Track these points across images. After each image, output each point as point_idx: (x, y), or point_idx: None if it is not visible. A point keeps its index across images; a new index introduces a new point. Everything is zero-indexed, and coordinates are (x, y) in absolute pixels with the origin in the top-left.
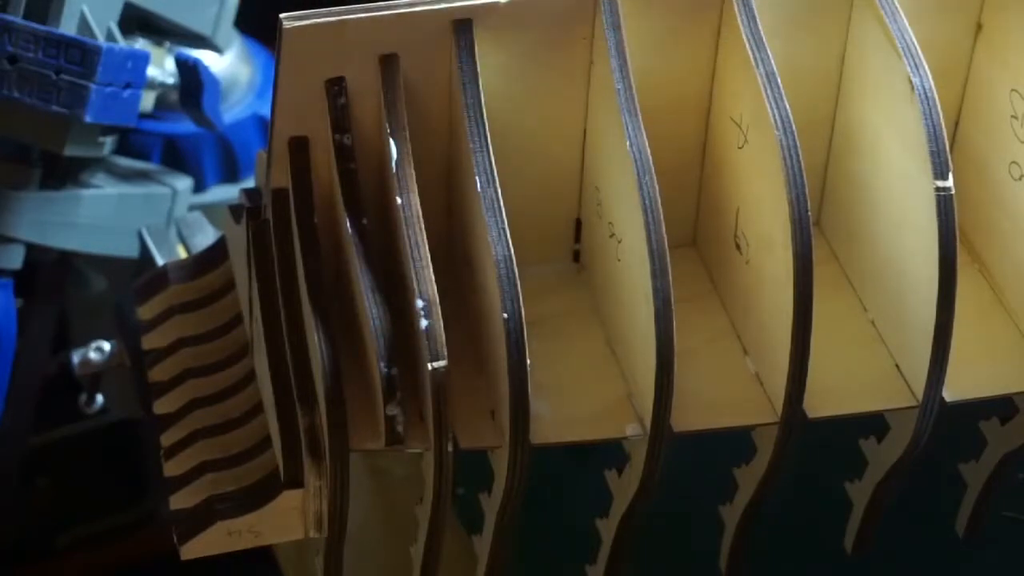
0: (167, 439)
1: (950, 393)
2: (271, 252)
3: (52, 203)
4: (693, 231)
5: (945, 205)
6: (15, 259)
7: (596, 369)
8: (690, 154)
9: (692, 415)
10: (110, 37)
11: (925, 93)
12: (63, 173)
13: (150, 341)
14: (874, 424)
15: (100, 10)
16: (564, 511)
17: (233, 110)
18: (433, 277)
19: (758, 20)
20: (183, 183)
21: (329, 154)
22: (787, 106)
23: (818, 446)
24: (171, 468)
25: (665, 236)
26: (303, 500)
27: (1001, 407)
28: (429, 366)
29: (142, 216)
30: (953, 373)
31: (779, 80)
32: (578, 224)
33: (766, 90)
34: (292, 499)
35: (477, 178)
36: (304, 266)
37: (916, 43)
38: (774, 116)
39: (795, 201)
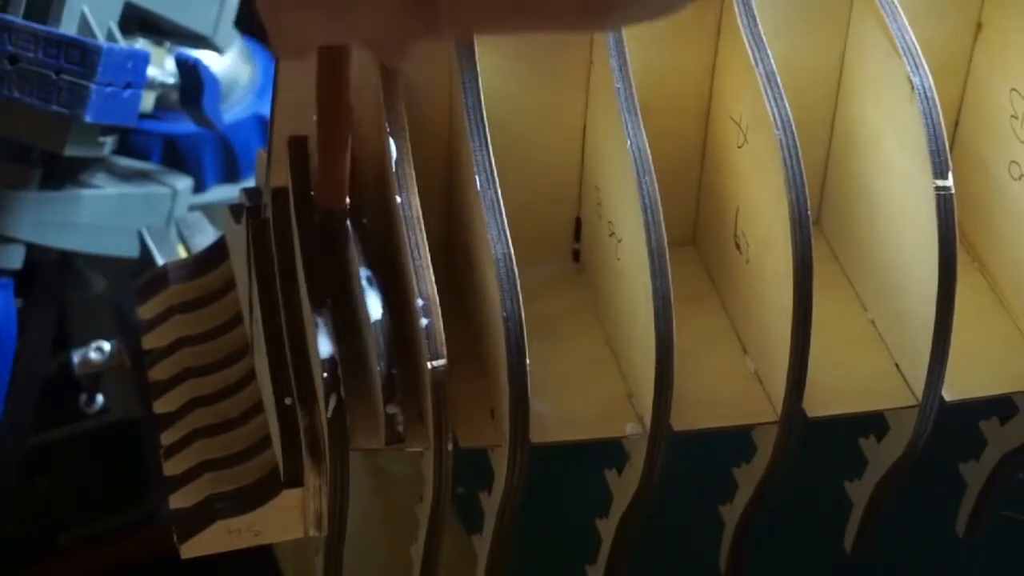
0: (167, 439)
1: (950, 393)
2: (271, 252)
3: (52, 203)
4: (693, 231)
5: (945, 205)
6: (15, 259)
7: (596, 369)
8: (690, 154)
9: (692, 414)
10: (110, 37)
11: (925, 93)
12: (63, 173)
13: (150, 341)
14: (874, 424)
15: (100, 10)
16: (564, 511)
17: (233, 110)
18: (433, 277)
19: (758, 20)
20: (183, 183)
21: None
22: (787, 106)
23: (818, 446)
24: (171, 468)
25: (665, 236)
26: (303, 499)
27: (1001, 407)
28: (429, 365)
29: (142, 216)
30: (953, 373)
31: (779, 80)
32: (578, 223)
33: (766, 90)
34: (292, 498)
35: (477, 178)
36: (304, 266)
37: (916, 43)
38: (774, 116)
39: (795, 201)
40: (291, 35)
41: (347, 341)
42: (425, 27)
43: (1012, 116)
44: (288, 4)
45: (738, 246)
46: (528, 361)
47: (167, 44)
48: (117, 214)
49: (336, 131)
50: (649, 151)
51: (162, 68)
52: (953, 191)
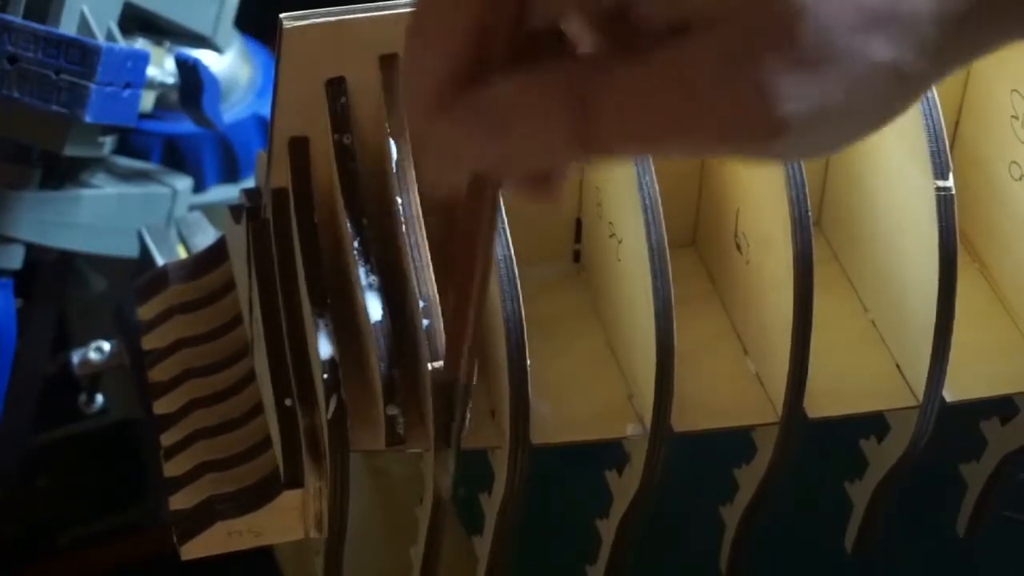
0: (167, 439)
1: (950, 393)
2: (271, 252)
3: (52, 203)
4: (693, 231)
5: (945, 205)
6: (15, 259)
7: (596, 369)
8: None
9: (692, 415)
10: (110, 37)
11: (926, 93)
12: (63, 173)
13: (150, 341)
14: (875, 424)
15: (100, 10)
16: (564, 511)
17: (233, 110)
18: (433, 277)
19: None
20: (183, 183)
21: (329, 154)
22: None
23: (819, 447)
24: (171, 468)
25: (665, 236)
26: (303, 500)
27: (1001, 407)
28: (429, 366)
29: (142, 216)
30: (953, 373)
31: None
32: (578, 224)
33: None
34: (292, 499)
35: None
36: (304, 266)
37: None
38: None
39: (795, 201)
40: (440, 159)
41: (347, 342)
42: (583, 149)
43: (1013, 116)
44: (444, 120)
45: (738, 247)
46: (528, 362)
47: (167, 44)
48: (117, 214)
49: (475, 289)
50: None
51: (162, 68)
52: (953, 191)
